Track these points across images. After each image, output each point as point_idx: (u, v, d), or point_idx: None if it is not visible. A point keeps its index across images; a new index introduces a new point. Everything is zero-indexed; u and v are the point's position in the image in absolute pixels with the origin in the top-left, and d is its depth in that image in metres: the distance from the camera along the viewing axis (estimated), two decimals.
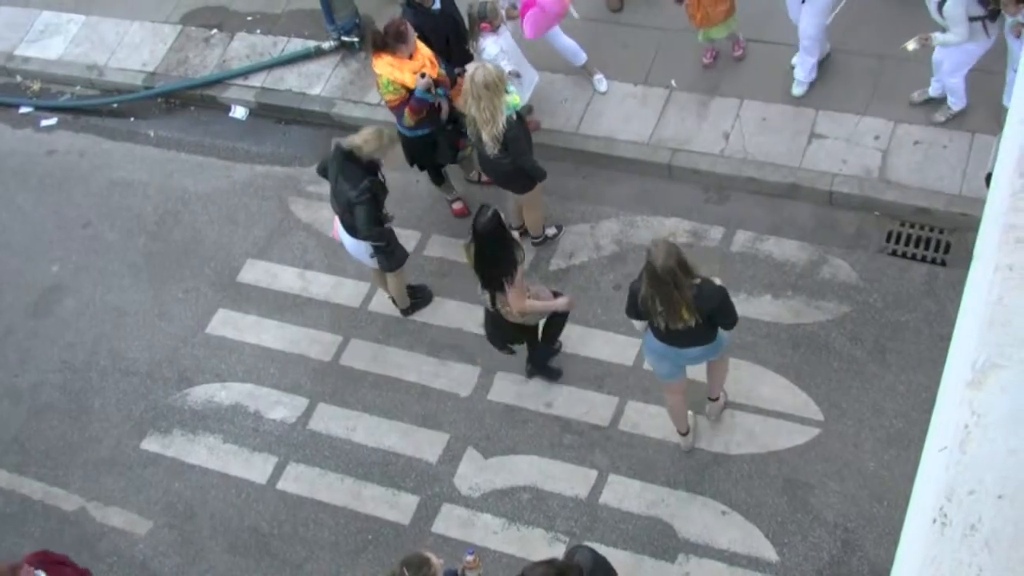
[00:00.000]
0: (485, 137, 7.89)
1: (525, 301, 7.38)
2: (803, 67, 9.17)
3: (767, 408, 8.04)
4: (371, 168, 7.89)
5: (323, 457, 8.52)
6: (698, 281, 6.65)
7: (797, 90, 9.29)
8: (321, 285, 9.47)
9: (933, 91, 8.91)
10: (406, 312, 8.99)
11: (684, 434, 7.88)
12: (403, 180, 9.37)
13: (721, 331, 7.05)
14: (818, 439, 7.88)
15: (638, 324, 7.08)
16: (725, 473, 7.85)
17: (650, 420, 8.17)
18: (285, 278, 9.59)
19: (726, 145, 9.30)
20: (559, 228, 9.23)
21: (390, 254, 8.30)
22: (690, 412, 7.91)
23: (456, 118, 8.53)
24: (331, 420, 8.70)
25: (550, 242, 9.18)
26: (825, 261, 8.70)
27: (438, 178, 9.30)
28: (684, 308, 6.62)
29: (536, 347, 8.16)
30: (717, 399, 7.90)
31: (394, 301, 8.99)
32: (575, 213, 9.39)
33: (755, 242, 8.92)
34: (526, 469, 8.16)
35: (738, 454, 7.90)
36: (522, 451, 8.25)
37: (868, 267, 8.58)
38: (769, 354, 8.27)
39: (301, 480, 8.44)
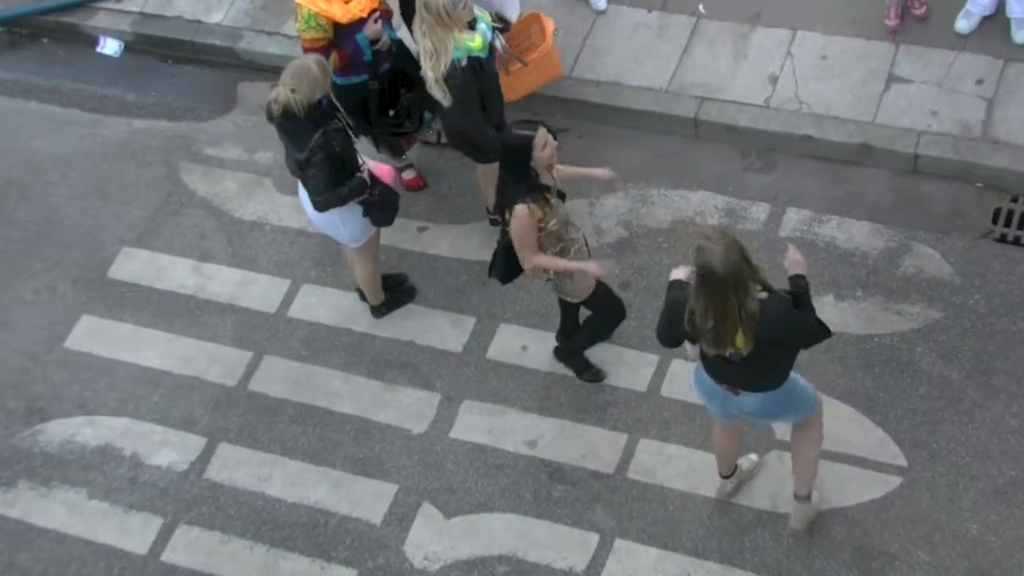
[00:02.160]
0: (427, 73, 8.11)
1: (534, 253, 7.61)
2: None
3: (830, 450, 7.92)
4: (322, 116, 7.92)
5: (226, 518, 8.44)
6: (763, 295, 6.47)
7: (964, 24, 9.24)
8: (224, 282, 9.44)
9: None
10: (379, 311, 9.06)
11: (726, 477, 7.85)
12: None
13: (797, 379, 6.95)
14: (900, 492, 7.84)
15: (691, 349, 6.93)
16: (772, 538, 7.80)
17: (670, 465, 8.13)
18: (174, 273, 9.56)
19: (773, 93, 9.34)
20: None
21: (380, 204, 8.34)
22: (751, 457, 7.94)
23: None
24: (237, 467, 8.63)
25: None
26: (908, 250, 8.70)
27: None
28: (740, 329, 6.43)
29: (568, 322, 8.41)
30: (806, 498, 7.63)
31: (362, 296, 9.03)
32: (568, 186, 9.15)
33: (812, 224, 8.91)
34: (502, 533, 8.10)
35: (789, 512, 7.78)
36: (497, 508, 8.20)
37: (967, 258, 8.55)
38: (832, 375, 8.22)
39: (195, 549, 8.36)
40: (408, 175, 9.55)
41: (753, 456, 7.94)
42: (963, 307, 8.38)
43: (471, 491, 8.27)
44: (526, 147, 7.32)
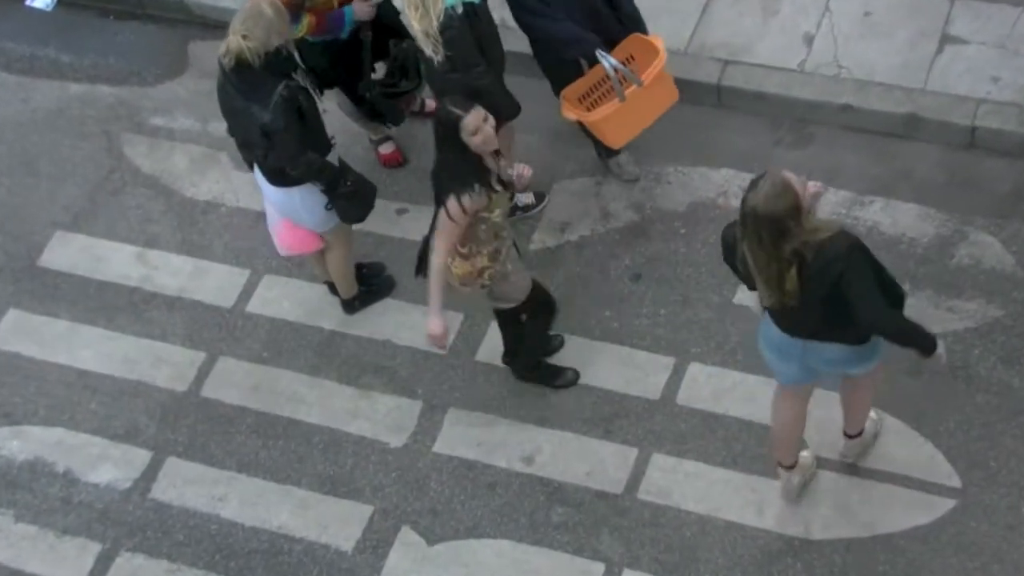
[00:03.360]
0: (416, 30, 8.07)
1: (444, 256, 7.52)
2: None
3: (873, 468, 8.04)
4: (284, 63, 7.91)
5: (174, 544, 8.46)
6: (822, 237, 6.53)
7: None
8: (172, 272, 9.46)
9: None
10: (351, 306, 9.09)
11: (788, 468, 7.88)
12: None
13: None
14: (952, 517, 7.86)
15: (751, 296, 7.05)
16: (805, 568, 7.82)
17: (686, 484, 8.16)
18: (116, 262, 9.57)
19: (808, 55, 9.36)
20: (540, 197, 9.30)
21: (352, 195, 8.32)
22: (805, 454, 7.94)
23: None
24: (187, 485, 8.64)
25: (529, 214, 9.26)
26: (963, 237, 8.72)
27: (357, 106, 9.23)
28: (785, 279, 6.55)
29: (511, 335, 8.39)
30: (858, 435, 7.88)
31: (332, 288, 9.05)
32: (570, 161, 9.39)
33: (852, 207, 8.94)
34: (493, 562, 8.13)
35: (827, 539, 7.89)
36: (487, 534, 8.22)
37: None
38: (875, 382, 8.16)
39: None
40: (385, 149, 9.56)
41: (806, 453, 7.96)
42: None
43: (457, 514, 8.28)
44: (452, 126, 7.24)
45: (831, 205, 8.92)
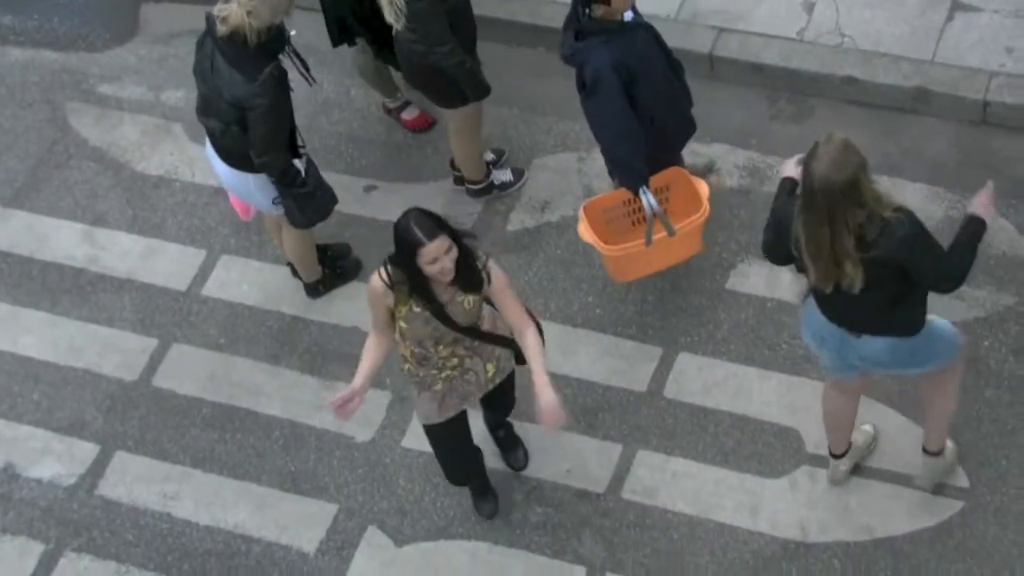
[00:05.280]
0: None
1: (372, 332, 7.17)
2: None
3: (873, 467, 8.07)
4: (278, 45, 7.92)
5: (123, 544, 8.47)
6: (887, 214, 6.49)
7: None
8: (122, 253, 9.50)
9: None
10: (315, 290, 9.14)
11: (838, 456, 7.92)
12: None
13: (933, 321, 7.02)
14: (959, 520, 7.89)
15: (793, 281, 7.18)
16: (801, 573, 7.86)
17: (674, 484, 8.19)
18: (60, 241, 9.61)
19: (808, 22, 9.42)
20: (518, 174, 9.34)
21: (306, 198, 8.33)
22: (866, 429, 7.98)
23: None
24: (137, 481, 8.66)
25: (504, 191, 9.30)
26: None
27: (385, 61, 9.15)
28: (847, 259, 6.49)
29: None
30: (938, 453, 7.82)
31: (295, 271, 9.10)
32: (551, 136, 9.44)
33: None
34: (466, 565, 8.16)
35: (823, 541, 7.91)
36: (459, 534, 8.25)
37: None
38: (876, 375, 8.11)
39: None
40: (409, 114, 9.62)
41: (868, 427, 8.01)
42: None
43: (428, 513, 8.31)
44: (411, 248, 6.72)
45: None
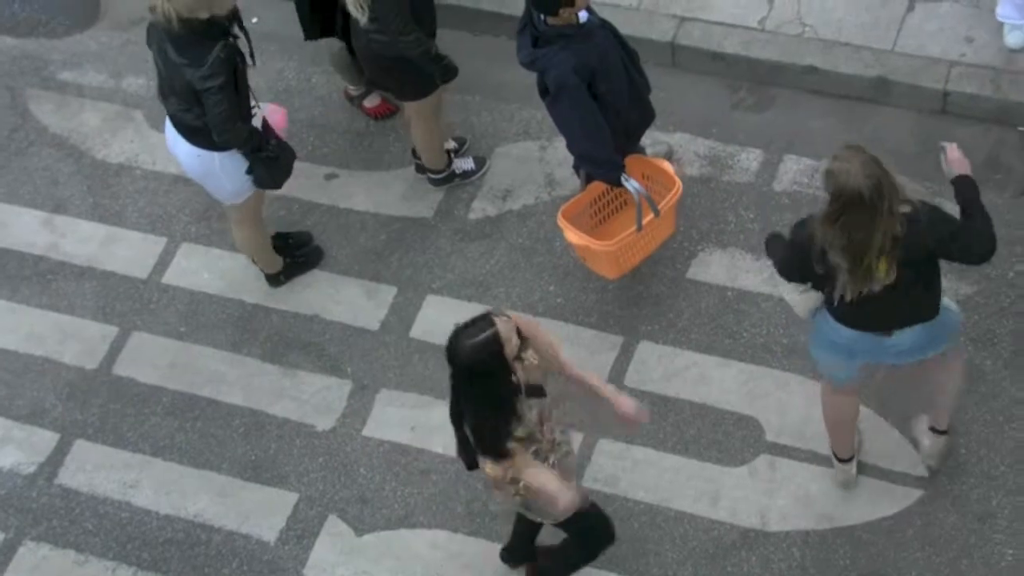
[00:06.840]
0: None
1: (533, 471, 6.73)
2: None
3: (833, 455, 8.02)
4: (221, 26, 7.86)
5: (82, 533, 8.45)
6: (907, 209, 6.56)
7: (1014, 39, 9.06)
8: (82, 240, 9.45)
9: None
10: (276, 280, 9.11)
11: (845, 461, 7.93)
12: None
13: (947, 303, 7.10)
14: (919, 508, 7.91)
15: (798, 299, 7.08)
16: (760, 562, 7.87)
17: (635, 472, 8.19)
18: (19, 228, 9.58)
19: (769, 12, 9.38)
20: (480, 163, 9.31)
21: (273, 160, 8.29)
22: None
23: None
24: (97, 470, 8.64)
25: (466, 179, 9.27)
26: None
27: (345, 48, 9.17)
28: (885, 256, 6.54)
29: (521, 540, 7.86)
30: (945, 432, 7.87)
31: (254, 261, 9.07)
32: (514, 123, 9.42)
33: (815, 176, 8.89)
34: (426, 553, 8.15)
35: (785, 531, 7.93)
36: (420, 523, 8.25)
37: (1005, 219, 8.49)
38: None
39: (43, 571, 8.37)
40: (371, 102, 9.58)
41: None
42: (1001, 280, 8.45)
43: (388, 502, 8.30)
44: (494, 345, 6.31)
45: (792, 174, 8.98)
